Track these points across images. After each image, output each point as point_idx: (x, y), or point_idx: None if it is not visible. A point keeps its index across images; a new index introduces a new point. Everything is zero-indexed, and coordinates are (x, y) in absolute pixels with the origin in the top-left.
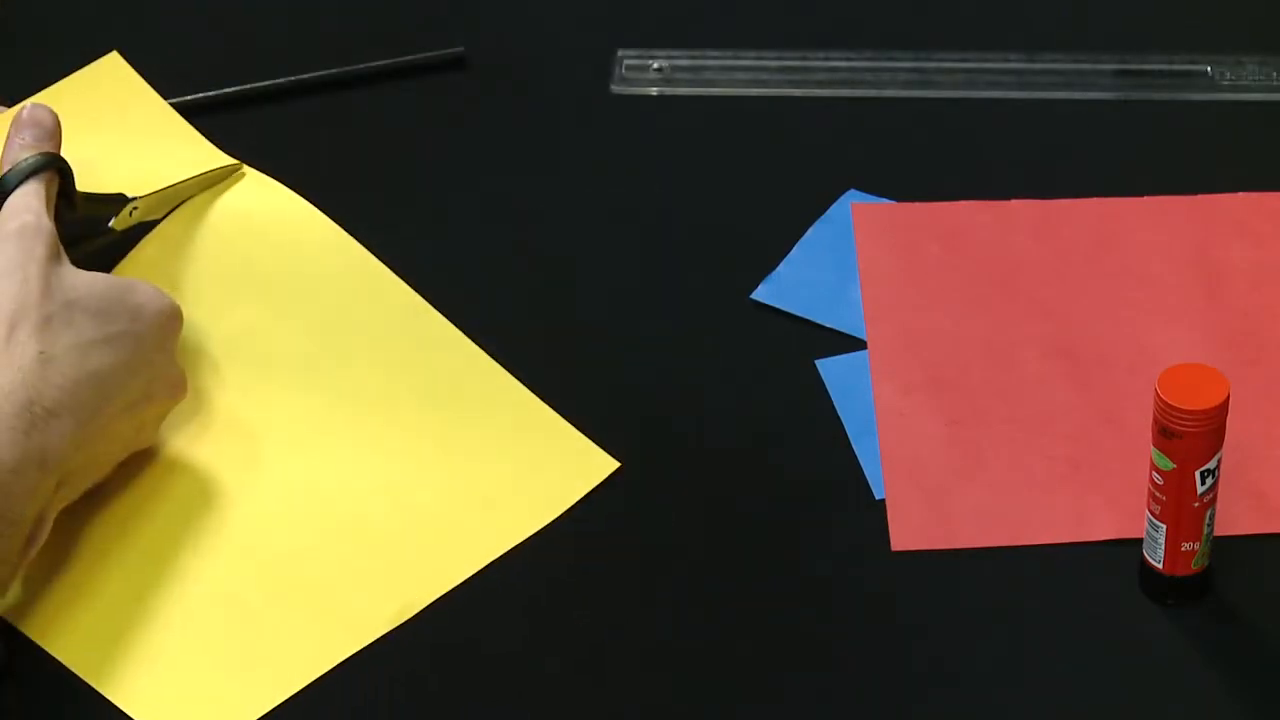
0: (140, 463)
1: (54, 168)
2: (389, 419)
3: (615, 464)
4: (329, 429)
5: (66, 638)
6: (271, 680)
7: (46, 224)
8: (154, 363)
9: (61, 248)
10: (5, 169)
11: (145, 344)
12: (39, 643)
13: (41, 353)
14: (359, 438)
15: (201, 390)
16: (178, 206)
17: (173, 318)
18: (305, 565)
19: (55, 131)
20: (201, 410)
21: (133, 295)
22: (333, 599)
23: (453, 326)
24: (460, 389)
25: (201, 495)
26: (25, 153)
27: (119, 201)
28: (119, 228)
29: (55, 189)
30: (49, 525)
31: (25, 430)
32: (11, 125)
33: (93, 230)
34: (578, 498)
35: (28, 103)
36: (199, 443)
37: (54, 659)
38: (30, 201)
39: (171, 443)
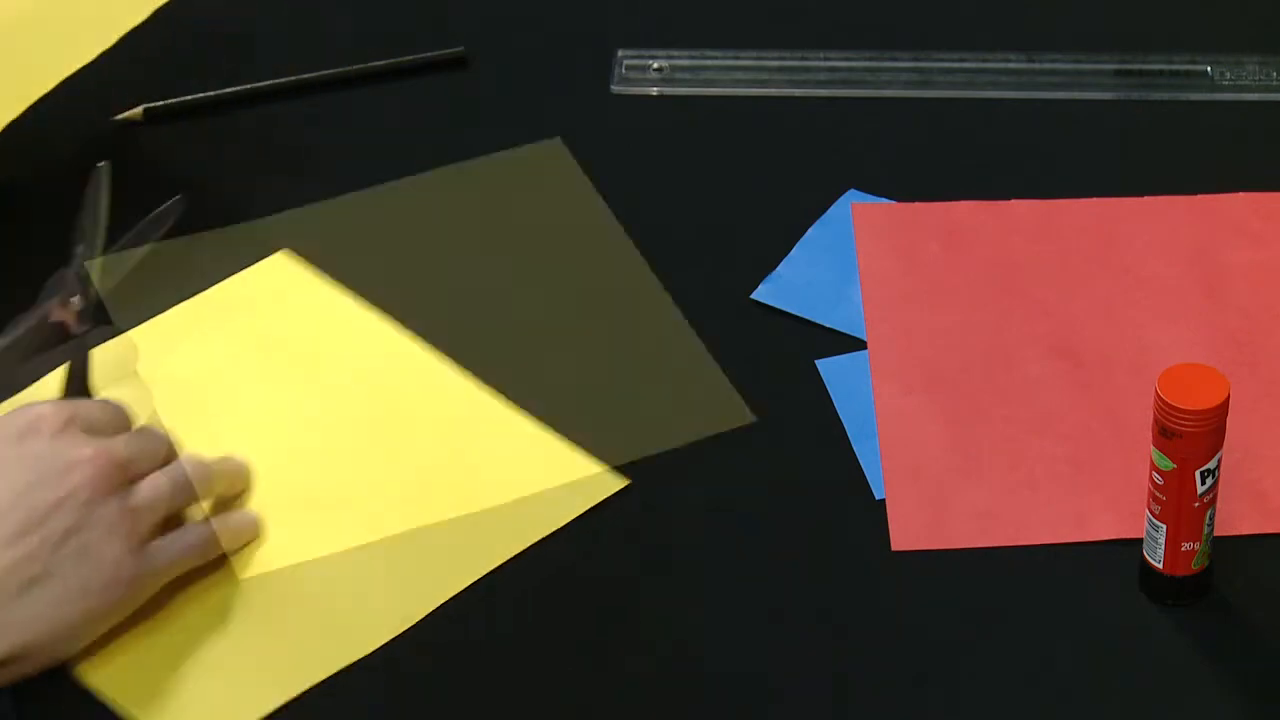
0: None
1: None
2: (392, 440)
3: (624, 480)
4: (330, 444)
5: None
6: (266, 686)
7: None
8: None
9: None
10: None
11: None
12: None
13: None
14: (360, 454)
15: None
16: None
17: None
18: (306, 575)
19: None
20: (211, 419)
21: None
22: (330, 609)
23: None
24: (468, 426)
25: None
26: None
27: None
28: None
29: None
30: None
31: None
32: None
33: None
34: (579, 512)
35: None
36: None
37: (57, 681)
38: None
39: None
